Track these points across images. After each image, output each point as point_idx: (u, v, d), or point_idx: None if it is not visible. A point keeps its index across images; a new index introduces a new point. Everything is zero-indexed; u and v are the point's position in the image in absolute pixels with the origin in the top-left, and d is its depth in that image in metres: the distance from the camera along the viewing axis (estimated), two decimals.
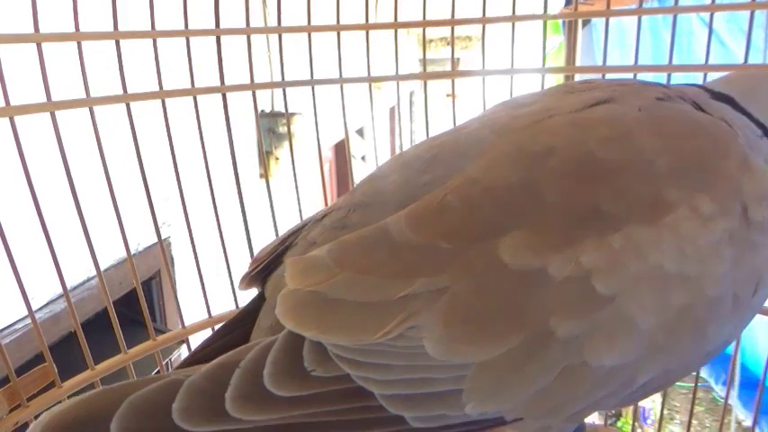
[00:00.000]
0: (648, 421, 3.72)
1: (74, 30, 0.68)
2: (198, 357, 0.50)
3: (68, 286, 0.70)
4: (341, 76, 0.88)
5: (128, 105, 0.74)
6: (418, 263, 0.39)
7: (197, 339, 0.83)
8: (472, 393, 0.38)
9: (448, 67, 0.97)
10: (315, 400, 0.36)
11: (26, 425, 0.66)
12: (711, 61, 0.83)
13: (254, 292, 0.56)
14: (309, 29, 0.84)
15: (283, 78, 0.86)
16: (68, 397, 0.69)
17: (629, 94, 0.51)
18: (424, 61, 0.93)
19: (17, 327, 0.94)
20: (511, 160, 0.45)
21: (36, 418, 0.67)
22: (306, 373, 0.37)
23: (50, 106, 0.67)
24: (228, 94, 0.81)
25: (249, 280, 0.51)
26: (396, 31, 0.90)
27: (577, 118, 0.48)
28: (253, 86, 0.83)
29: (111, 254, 1.14)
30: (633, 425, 1.04)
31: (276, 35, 0.85)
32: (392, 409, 0.37)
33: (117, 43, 0.72)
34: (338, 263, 0.40)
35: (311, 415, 0.36)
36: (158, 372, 0.82)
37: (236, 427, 0.35)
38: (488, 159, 0.45)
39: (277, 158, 2.05)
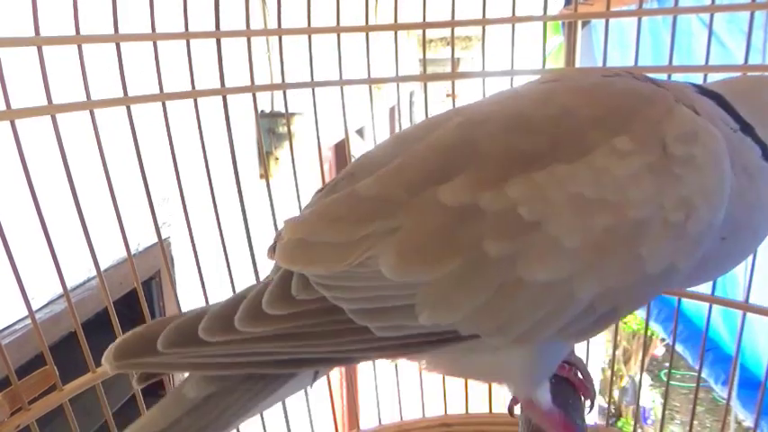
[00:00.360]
0: (649, 421, 3.72)
1: (74, 33, 0.68)
2: None
3: (68, 286, 0.70)
4: (341, 77, 0.88)
5: (128, 108, 0.74)
6: (377, 210, 0.49)
7: None
8: (422, 306, 0.47)
9: (448, 67, 0.97)
10: (299, 316, 0.47)
11: (27, 428, 0.66)
12: (711, 62, 0.84)
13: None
14: (309, 30, 0.84)
15: (284, 80, 0.86)
16: (69, 400, 0.69)
17: (576, 76, 0.61)
18: (424, 62, 0.93)
19: (17, 327, 0.94)
20: (456, 127, 0.54)
21: (37, 421, 0.67)
22: (292, 297, 0.48)
23: (51, 109, 0.67)
24: (229, 95, 0.81)
25: (271, 251, 0.58)
26: (396, 33, 0.90)
27: (519, 91, 0.60)
28: (253, 89, 0.83)
29: (110, 254, 1.14)
30: (634, 425, 1.04)
31: (276, 37, 0.85)
32: (358, 321, 0.47)
33: (117, 46, 0.72)
34: (317, 216, 0.52)
35: (296, 327, 0.47)
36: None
37: (240, 338, 0.47)
38: (441, 130, 0.54)
39: (277, 158, 2.05)
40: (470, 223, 0.47)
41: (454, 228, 0.47)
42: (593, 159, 0.49)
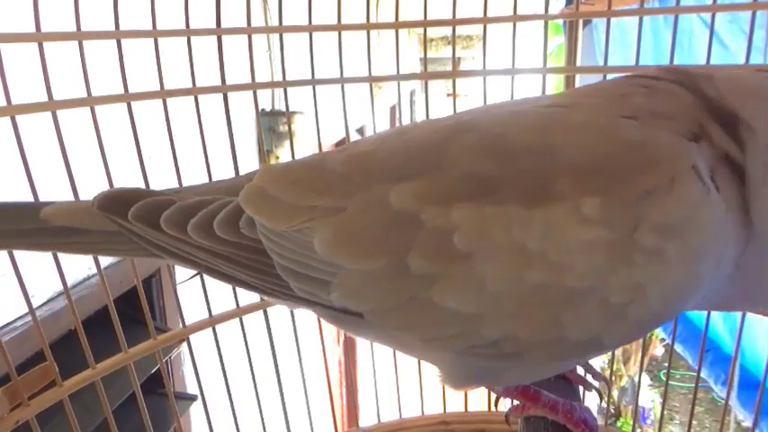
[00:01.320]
0: (648, 421, 3.72)
1: (75, 29, 0.68)
2: None
3: (69, 284, 0.70)
4: (342, 75, 0.88)
5: (129, 105, 0.74)
6: (333, 186, 0.51)
7: (197, 339, 0.84)
8: (337, 288, 0.50)
9: (449, 66, 0.97)
10: (238, 246, 0.53)
11: (27, 424, 0.66)
12: (712, 62, 0.83)
13: None
14: (310, 28, 0.84)
15: (284, 78, 0.86)
16: (69, 396, 0.69)
17: (591, 107, 0.53)
18: (425, 60, 0.93)
19: (17, 324, 0.94)
20: (437, 130, 0.54)
21: (37, 417, 0.67)
22: (238, 228, 0.53)
23: (52, 105, 0.67)
24: (229, 93, 0.81)
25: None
26: (397, 31, 0.90)
27: (522, 109, 0.56)
28: (254, 86, 0.83)
29: None
30: (633, 425, 1.04)
31: (277, 34, 0.85)
32: (282, 274, 0.52)
33: (118, 42, 0.72)
34: (282, 173, 0.55)
35: (233, 254, 0.53)
36: (158, 368, 0.82)
37: (188, 241, 0.53)
38: (427, 129, 0.55)
39: (277, 157, 2.05)
40: (405, 231, 0.47)
41: (389, 229, 0.48)
42: (552, 212, 0.46)
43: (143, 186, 0.72)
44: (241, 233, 0.53)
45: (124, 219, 0.54)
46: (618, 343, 0.52)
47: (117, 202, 0.55)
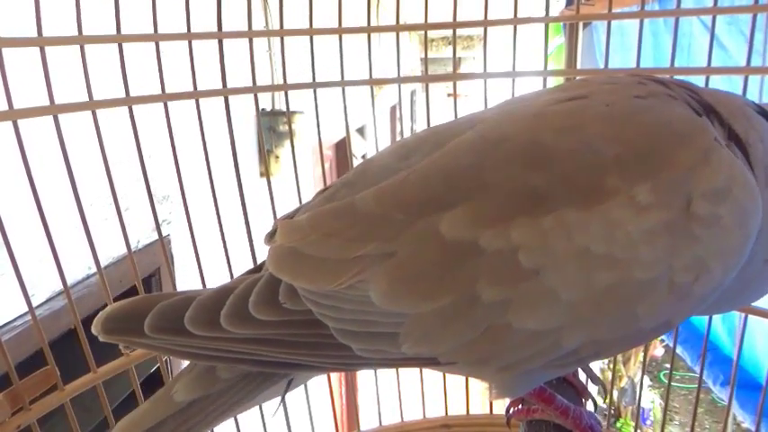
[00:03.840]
0: (648, 422, 3.72)
1: (77, 33, 0.68)
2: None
3: (68, 283, 0.70)
4: (342, 78, 0.88)
5: (130, 108, 0.74)
6: (374, 230, 0.47)
7: None
8: (407, 337, 0.46)
9: (450, 66, 0.97)
10: (283, 324, 0.48)
11: (28, 428, 0.67)
12: (712, 64, 0.84)
13: None
14: (311, 31, 0.84)
15: (285, 81, 0.86)
16: (70, 400, 0.70)
17: (607, 92, 0.54)
18: (425, 62, 0.93)
19: (16, 324, 0.94)
20: (468, 145, 0.51)
21: (38, 421, 0.67)
22: (279, 304, 0.48)
23: (53, 109, 0.67)
24: (230, 95, 0.81)
25: (268, 238, 0.58)
26: (397, 33, 0.90)
27: (543, 110, 0.53)
28: (255, 89, 0.83)
29: (111, 251, 1.14)
30: (635, 426, 1.04)
31: (278, 38, 0.85)
32: (341, 340, 0.47)
33: (120, 46, 0.72)
34: (312, 226, 0.50)
35: (280, 334, 0.47)
36: (158, 368, 0.82)
37: (225, 336, 0.47)
38: (452, 145, 0.51)
39: (278, 157, 2.05)
40: (467, 261, 0.45)
41: (450, 263, 0.46)
42: (609, 210, 0.45)
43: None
44: (284, 309, 0.48)
45: (141, 336, 0.48)
46: (683, 320, 0.51)
47: (124, 319, 0.50)
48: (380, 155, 0.60)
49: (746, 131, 0.51)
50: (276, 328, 0.48)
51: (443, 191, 0.48)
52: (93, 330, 0.50)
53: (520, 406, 0.66)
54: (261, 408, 0.89)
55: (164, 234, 0.80)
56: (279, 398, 0.56)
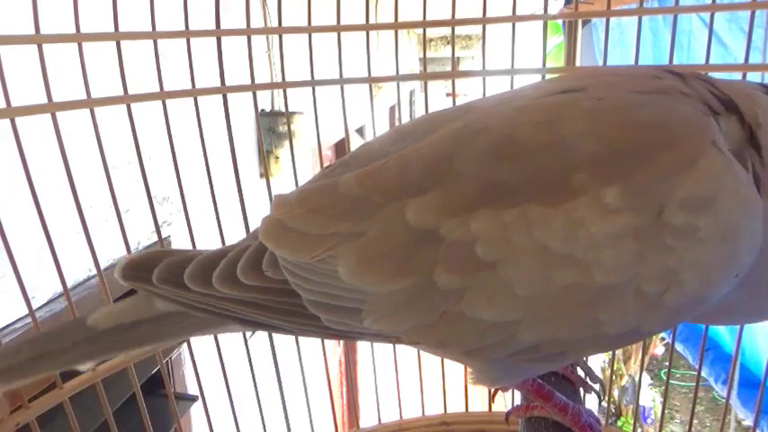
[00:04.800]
0: (648, 420, 3.72)
1: (74, 31, 0.68)
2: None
3: (68, 285, 0.70)
4: (341, 76, 0.87)
5: (128, 106, 0.74)
6: (351, 210, 0.50)
7: (198, 341, 0.84)
8: (369, 314, 0.49)
9: (448, 66, 0.97)
10: (263, 290, 0.51)
11: (27, 426, 0.66)
12: (711, 61, 0.84)
13: None
14: (310, 29, 0.84)
15: (284, 79, 0.86)
16: (69, 397, 0.70)
17: (605, 85, 0.53)
18: (424, 61, 0.93)
19: (17, 326, 0.94)
20: (451, 134, 0.52)
21: (37, 419, 0.67)
22: (261, 272, 0.52)
23: (51, 107, 0.67)
24: (229, 94, 0.81)
25: None
26: (396, 32, 0.90)
27: (529, 102, 0.54)
28: (253, 87, 0.83)
29: (111, 253, 1.14)
30: (634, 425, 1.04)
31: (277, 35, 0.85)
32: (311, 309, 0.51)
33: (118, 44, 0.72)
34: (298, 202, 0.53)
35: (259, 299, 0.51)
36: (158, 369, 0.82)
37: (215, 294, 0.52)
38: (438, 135, 0.53)
39: (277, 157, 2.04)
40: (428, 248, 0.47)
41: (412, 248, 0.47)
42: (573, 209, 0.45)
43: (156, 238, 0.72)
44: (265, 276, 0.52)
45: (150, 284, 0.54)
46: (658, 330, 0.50)
47: (139, 268, 0.54)
48: (378, 139, 0.62)
49: None
50: (257, 292, 0.51)
51: (419, 177, 0.49)
52: (116, 274, 0.56)
53: (518, 402, 0.66)
54: (261, 408, 0.89)
55: (164, 236, 0.80)
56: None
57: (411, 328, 0.49)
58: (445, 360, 0.62)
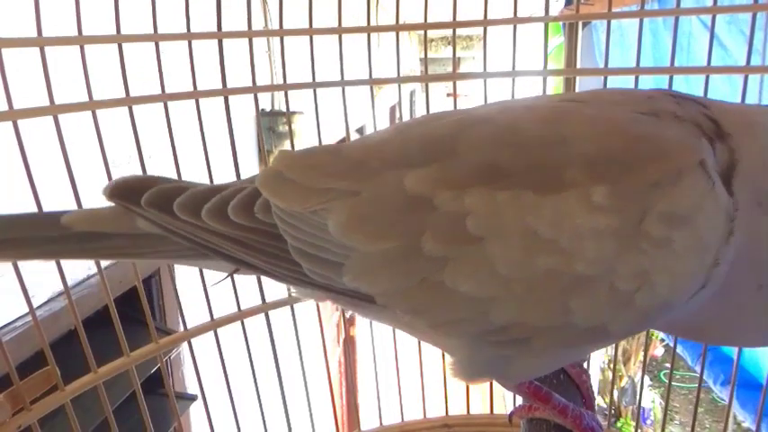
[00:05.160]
0: (648, 422, 3.72)
1: (77, 33, 0.68)
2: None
3: (68, 284, 0.70)
4: (342, 78, 0.88)
5: (130, 108, 0.74)
6: (350, 171, 0.52)
7: (198, 341, 0.84)
8: (350, 270, 0.51)
9: (449, 66, 0.97)
10: (251, 230, 0.53)
11: (29, 428, 0.67)
12: (712, 63, 0.84)
13: None
14: (311, 31, 0.84)
15: (285, 81, 0.86)
16: (71, 401, 0.70)
17: (607, 101, 0.55)
18: (425, 62, 0.93)
19: (17, 324, 0.94)
20: (455, 121, 0.54)
21: (39, 421, 0.67)
22: (252, 213, 0.54)
23: (53, 109, 0.67)
24: (230, 95, 0.81)
25: None
26: (397, 33, 0.90)
27: (533, 104, 0.57)
28: (255, 89, 0.83)
29: None
30: (635, 426, 1.04)
31: (278, 37, 0.85)
32: (295, 256, 0.52)
33: (120, 47, 0.72)
34: (300, 157, 0.57)
35: (246, 237, 0.53)
36: (158, 368, 0.82)
37: (201, 225, 0.53)
38: (441, 121, 0.55)
39: None
40: (419, 214, 0.49)
41: (403, 213, 0.49)
42: (563, 199, 0.47)
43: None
44: (255, 217, 0.54)
45: (137, 205, 0.55)
46: (624, 332, 0.52)
47: (129, 189, 0.56)
48: (377, 133, 0.65)
49: (750, 166, 0.50)
50: (245, 231, 0.53)
51: (418, 151, 0.52)
52: (103, 192, 0.56)
53: (519, 403, 0.66)
54: (261, 408, 0.89)
55: None
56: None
57: (388, 291, 0.51)
58: (446, 361, 0.62)
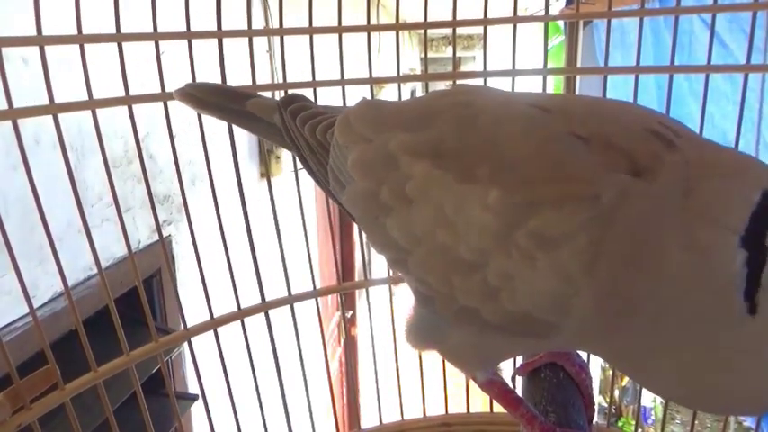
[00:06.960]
0: (649, 421, 3.72)
1: (76, 32, 0.68)
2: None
3: (69, 284, 0.70)
4: (342, 77, 0.88)
5: (130, 107, 0.74)
6: (375, 124, 0.65)
7: (198, 341, 0.84)
8: (347, 193, 0.65)
9: (449, 66, 0.97)
10: (318, 142, 0.71)
11: (29, 427, 0.67)
12: (713, 62, 0.84)
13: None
14: (311, 30, 0.84)
15: (285, 80, 0.86)
16: (71, 401, 0.70)
17: (569, 114, 0.55)
18: (425, 61, 0.93)
19: (18, 324, 0.94)
20: (453, 104, 0.62)
21: (39, 420, 0.67)
22: (325, 134, 0.70)
23: (53, 108, 0.67)
24: None
25: None
26: (397, 33, 0.90)
27: (518, 99, 0.64)
28: (255, 88, 0.83)
29: (111, 252, 1.14)
30: (635, 425, 1.04)
31: (278, 37, 0.85)
32: (328, 171, 0.69)
33: (119, 45, 0.72)
34: (359, 109, 0.69)
35: (313, 144, 0.71)
36: (159, 368, 0.82)
37: (302, 133, 0.72)
38: (449, 100, 0.64)
39: (278, 157, 2.05)
40: (388, 169, 0.60)
41: (381, 165, 0.61)
42: (469, 191, 0.53)
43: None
44: (325, 137, 0.70)
45: (285, 111, 0.74)
46: (498, 322, 0.54)
47: (287, 102, 0.74)
48: (416, 97, 0.74)
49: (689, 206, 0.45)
50: (315, 141, 0.71)
51: (414, 120, 0.62)
52: (279, 100, 0.76)
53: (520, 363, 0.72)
54: (261, 406, 0.89)
55: (164, 235, 0.80)
56: None
57: (360, 217, 0.65)
58: (446, 361, 0.64)
